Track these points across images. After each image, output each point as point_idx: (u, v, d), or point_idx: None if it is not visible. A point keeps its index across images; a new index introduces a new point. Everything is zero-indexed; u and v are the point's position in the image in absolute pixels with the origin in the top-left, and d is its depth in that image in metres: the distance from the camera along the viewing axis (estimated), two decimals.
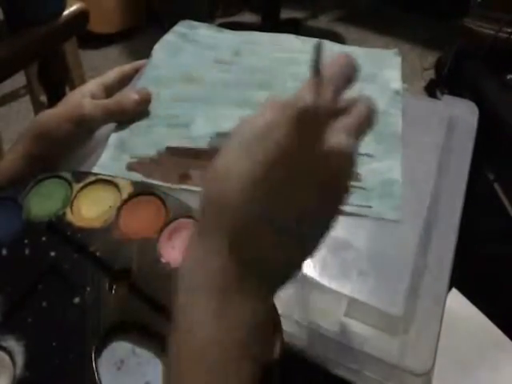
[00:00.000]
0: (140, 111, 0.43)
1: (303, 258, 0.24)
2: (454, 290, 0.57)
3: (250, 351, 0.22)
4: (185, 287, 0.23)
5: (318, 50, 0.24)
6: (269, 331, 0.25)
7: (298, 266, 0.25)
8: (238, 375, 0.22)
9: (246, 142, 0.23)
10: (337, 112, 0.24)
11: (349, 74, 0.26)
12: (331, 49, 0.52)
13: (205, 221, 0.23)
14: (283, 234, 0.23)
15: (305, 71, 0.54)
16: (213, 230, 0.23)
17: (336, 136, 0.23)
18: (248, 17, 2.02)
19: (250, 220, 0.22)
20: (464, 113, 0.46)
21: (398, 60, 0.50)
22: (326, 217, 0.24)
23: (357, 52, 0.52)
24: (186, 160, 0.40)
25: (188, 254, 0.24)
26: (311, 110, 0.23)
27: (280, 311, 0.28)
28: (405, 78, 0.48)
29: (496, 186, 0.69)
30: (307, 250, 0.24)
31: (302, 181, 0.23)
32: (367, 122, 0.25)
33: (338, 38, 1.81)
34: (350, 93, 0.44)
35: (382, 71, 0.48)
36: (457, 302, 0.56)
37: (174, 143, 0.41)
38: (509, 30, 0.84)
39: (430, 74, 1.00)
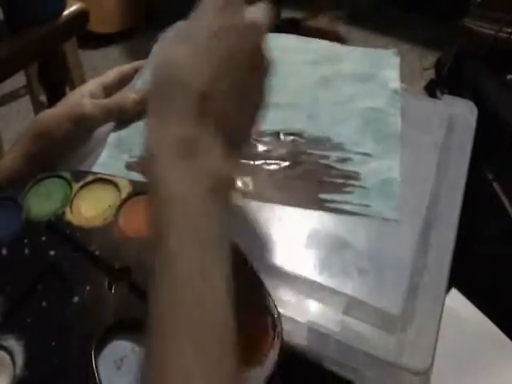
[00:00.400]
0: (139, 111, 0.43)
1: (251, 122, 0.29)
2: (454, 290, 0.57)
3: (215, 203, 0.24)
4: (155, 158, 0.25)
5: None
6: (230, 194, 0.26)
7: (249, 129, 0.29)
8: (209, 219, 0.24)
9: (179, 34, 0.27)
10: None
11: None
12: (332, 50, 0.52)
13: (161, 107, 0.26)
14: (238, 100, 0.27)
15: (304, 71, 0.54)
16: (173, 108, 0.25)
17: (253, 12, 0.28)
18: None
19: (208, 79, 0.25)
20: (463, 112, 0.46)
21: (396, 60, 0.50)
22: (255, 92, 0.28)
23: (355, 52, 0.52)
24: None
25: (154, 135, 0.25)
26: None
27: (280, 310, 0.29)
28: (405, 78, 0.48)
29: (495, 185, 0.69)
30: (254, 116, 0.29)
31: (229, 40, 0.26)
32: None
33: (337, 38, 1.81)
34: (350, 91, 0.44)
35: (381, 71, 0.48)
36: (456, 301, 0.56)
37: None
38: (509, 30, 0.84)
39: (430, 74, 1.00)
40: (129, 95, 0.43)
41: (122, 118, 0.42)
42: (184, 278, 0.22)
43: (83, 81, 0.91)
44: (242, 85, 0.27)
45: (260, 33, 0.28)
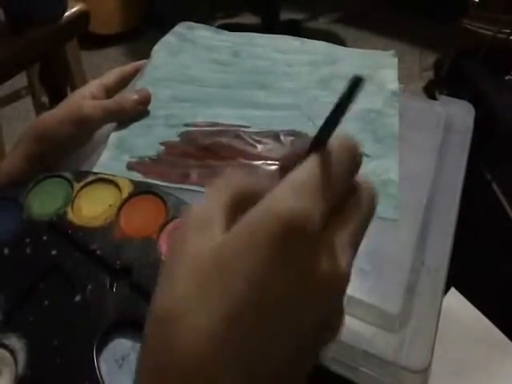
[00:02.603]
0: (140, 111, 0.43)
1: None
2: (453, 290, 0.57)
3: None
4: None
5: (354, 86, 0.17)
6: None
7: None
8: None
9: (196, 279, 0.16)
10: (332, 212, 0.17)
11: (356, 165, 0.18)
12: (330, 51, 0.52)
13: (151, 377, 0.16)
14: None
15: (304, 72, 0.55)
16: None
17: (331, 254, 0.16)
18: (248, 18, 2.02)
19: None
20: (460, 113, 0.46)
21: (394, 61, 0.51)
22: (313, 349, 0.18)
23: (354, 53, 0.52)
24: (185, 159, 0.40)
25: None
26: (303, 221, 0.15)
27: None
28: (404, 79, 0.49)
29: (494, 185, 0.69)
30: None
31: (285, 321, 0.16)
32: (370, 218, 0.19)
33: (337, 39, 1.82)
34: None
35: (379, 72, 0.49)
36: (455, 301, 0.56)
37: (174, 143, 0.41)
38: (507, 31, 0.84)
39: (429, 75, 1.00)
40: (129, 96, 0.43)
41: (123, 119, 0.43)
42: None
43: (84, 81, 0.92)
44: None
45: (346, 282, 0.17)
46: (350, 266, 0.17)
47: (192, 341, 0.15)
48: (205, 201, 0.18)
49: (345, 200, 0.18)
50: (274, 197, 0.16)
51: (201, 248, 0.17)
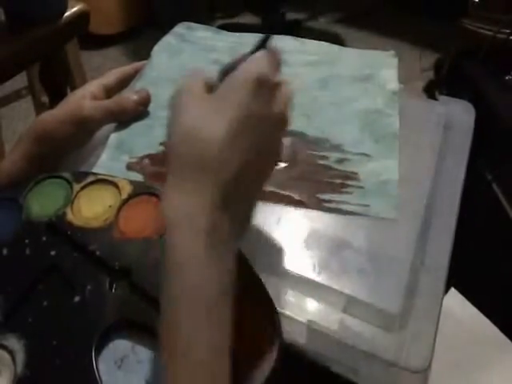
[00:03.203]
0: (139, 111, 0.43)
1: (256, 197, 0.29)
2: (453, 290, 0.57)
3: (229, 297, 0.24)
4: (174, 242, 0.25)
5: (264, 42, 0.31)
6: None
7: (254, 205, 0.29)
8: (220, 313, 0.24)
9: (208, 103, 0.27)
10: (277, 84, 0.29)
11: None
12: (330, 51, 0.52)
13: (184, 182, 0.26)
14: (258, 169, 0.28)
15: (304, 72, 0.55)
16: (196, 189, 0.25)
17: (283, 104, 0.29)
18: (248, 18, 2.02)
19: (236, 169, 0.26)
20: (460, 113, 0.47)
21: (394, 61, 0.50)
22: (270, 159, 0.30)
23: (354, 53, 0.52)
24: None
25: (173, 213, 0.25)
26: (266, 77, 0.27)
27: (280, 310, 0.29)
28: (404, 79, 0.49)
29: (494, 186, 0.69)
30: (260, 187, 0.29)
31: (260, 129, 0.27)
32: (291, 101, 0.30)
33: (337, 39, 1.81)
34: (349, 92, 0.45)
35: (379, 72, 0.49)
36: (455, 301, 0.56)
37: None
38: (507, 31, 0.84)
39: (429, 75, 1.00)
40: (129, 96, 0.43)
41: (123, 119, 0.42)
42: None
43: (84, 82, 0.92)
44: (266, 168, 0.29)
45: (287, 123, 0.29)
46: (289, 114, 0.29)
47: (210, 142, 0.26)
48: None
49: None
50: (247, 64, 0.28)
51: (202, 94, 0.28)
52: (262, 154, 0.28)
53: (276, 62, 0.31)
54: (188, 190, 0.25)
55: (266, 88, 0.27)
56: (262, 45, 0.31)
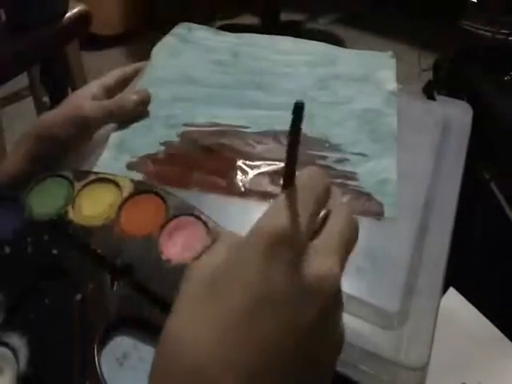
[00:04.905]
0: (140, 112, 0.43)
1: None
2: (452, 290, 0.57)
3: None
4: None
5: (298, 111, 0.20)
6: None
7: None
8: None
9: (200, 294, 0.18)
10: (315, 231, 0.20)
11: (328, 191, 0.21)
12: (329, 52, 0.53)
13: None
14: None
15: (302, 72, 0.55)
16: None
17: (318, 259, 0.19)
18: (248, 19, 2.03)
19: None
20: (458, 113, 0.47)
21: (393, 62, 0.51)
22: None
23: (352, 54, 0.53)
24: (185, 160, 0.40)
25: None
26: (287, 236, 0.18)
27: None
28: (403, 79, 0.49)
29: (492, 185, 0.70)
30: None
31: (280, 325, 0.17)
32: (351, 227, 0.21)
33: (336, 40, 1.82)
34: (347, 92, 0.43)
35: (377, 72, 0.49)
36: (454, 301, 0.56)
37: (174, 143, 0.42)
38: (506, 32, 0.85)
39: (428, 75, 1.00)
40: (129, 96, 0.43)
41: (123, 119, 0.43)
42: None
43: (85, 82, 0.92)
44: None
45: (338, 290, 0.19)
46: (336, 266, 0.19)
47: (193, 352, 0.17)
48: None
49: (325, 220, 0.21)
50: (257, 223, 0.19)
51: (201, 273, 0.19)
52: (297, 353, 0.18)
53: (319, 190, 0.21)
54: None
55: (290, 252, 0.18)
56: (297, 120, 0.21)
